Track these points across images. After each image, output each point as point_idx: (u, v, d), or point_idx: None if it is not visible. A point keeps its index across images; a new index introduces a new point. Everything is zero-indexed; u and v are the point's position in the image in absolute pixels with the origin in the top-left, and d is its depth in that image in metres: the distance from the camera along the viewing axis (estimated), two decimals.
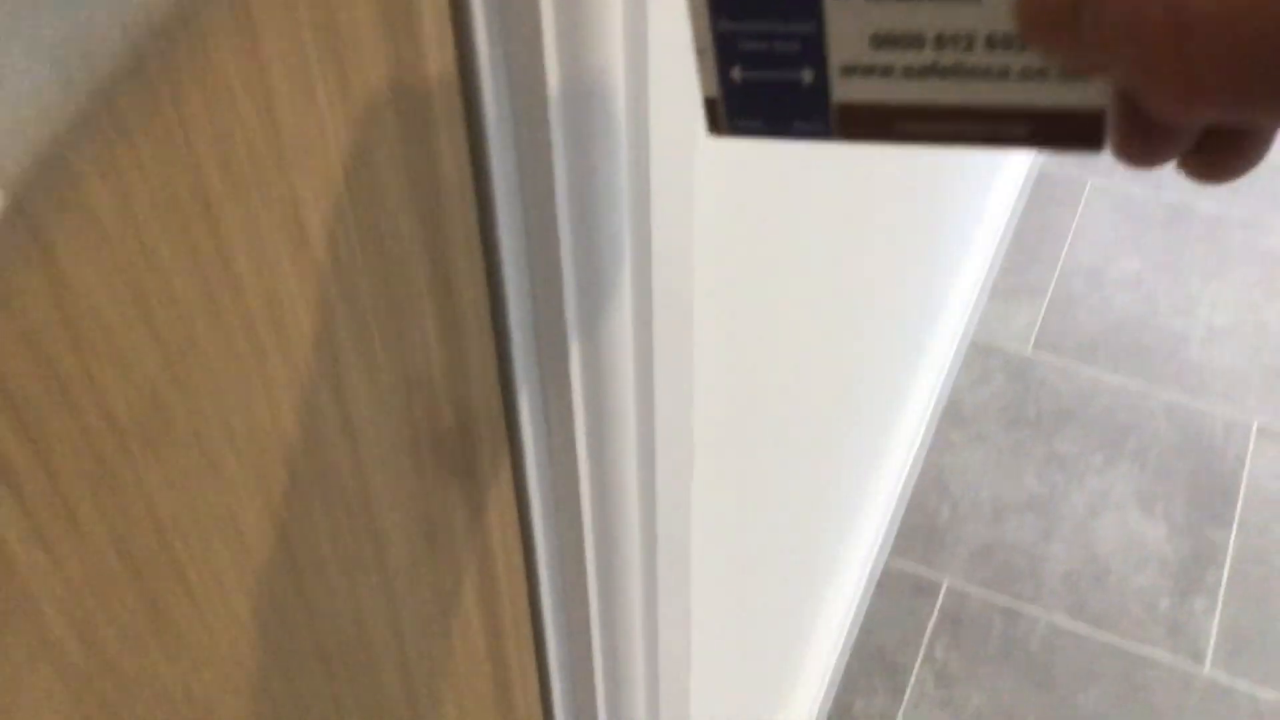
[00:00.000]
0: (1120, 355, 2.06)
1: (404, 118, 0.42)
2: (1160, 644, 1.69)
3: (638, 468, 0.60)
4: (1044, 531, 1.82)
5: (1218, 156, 0.29)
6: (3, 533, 0.31)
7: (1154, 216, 2.30)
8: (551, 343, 0.53)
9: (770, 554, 1.15)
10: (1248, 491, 1.87)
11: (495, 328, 0.51)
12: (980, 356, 2.07)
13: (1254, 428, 1.95)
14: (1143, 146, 0.29)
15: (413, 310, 0.45)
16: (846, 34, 0.31)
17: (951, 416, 1.98)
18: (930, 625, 1.73)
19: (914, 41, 0.30)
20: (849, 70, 0.32)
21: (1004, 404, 2.00)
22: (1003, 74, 0.30)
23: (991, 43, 0.30)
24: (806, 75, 0.32)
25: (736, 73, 0.33)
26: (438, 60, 0.42)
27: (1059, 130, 0.30)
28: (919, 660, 1.69)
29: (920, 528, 1.83)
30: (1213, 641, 1.70)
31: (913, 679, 1.68)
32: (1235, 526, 1.83)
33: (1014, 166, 2.23)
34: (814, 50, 0.31)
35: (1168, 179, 2.36)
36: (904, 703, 1.65)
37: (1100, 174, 2.38)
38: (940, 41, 0.30)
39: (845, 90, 0.32)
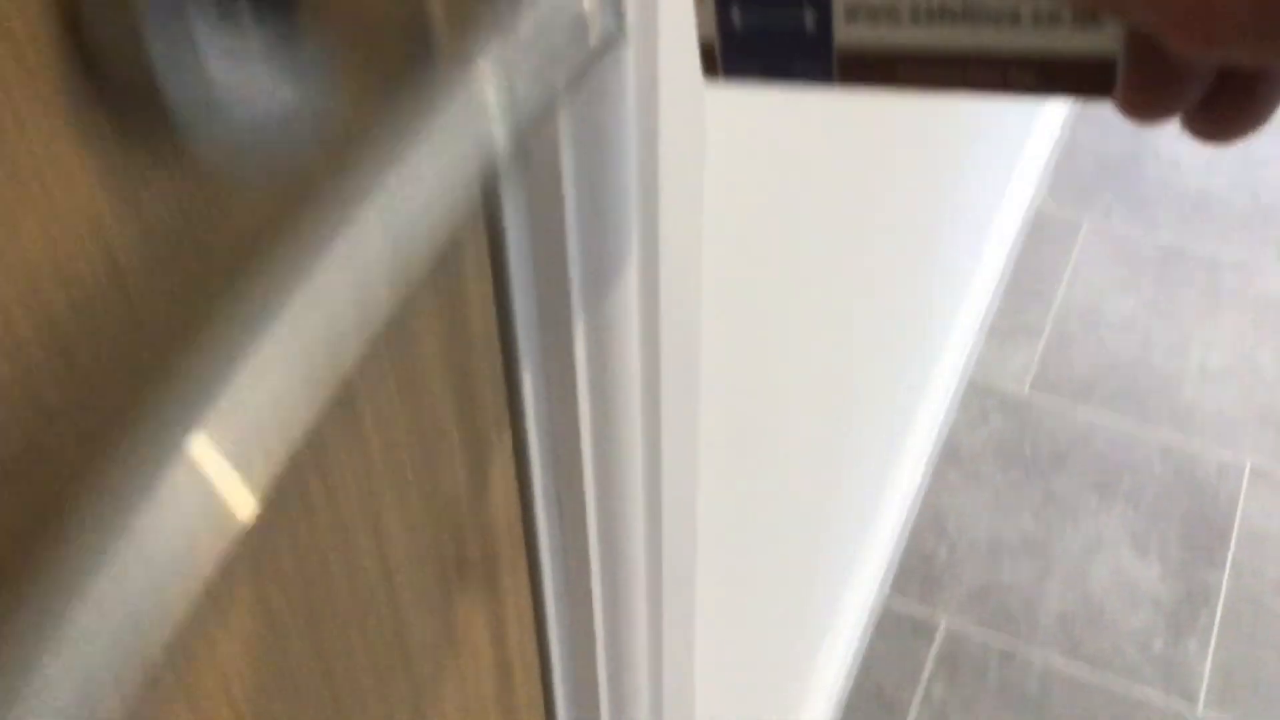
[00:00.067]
0: (1115, 396, 2.10)
1: (437, 272, 0.45)
2: (1154, 685, 1.73)
3: (645, 571, 0.63)
4: (1040, 572, 1.86)
5: (1225, 113, 0.28)
6: None
7: (1149, 257, 2.34)
8: (568, 459, 0.57)
9: (770, 595, 1.18)
10: (1240, 533, 1.90)
11: (515, 450, 0.55)
12: (978, 396, 2.11)
13: (1246, 469, 1.98)
14: (1150, 96, 0.28)
15: (444, 454, 0.49)
16: None
17: (949, 456, 2.01)
18: (928, 665, 1.76)
19: None
20: (853, 12, 0.30)
21: (1001, 444, 2.04)
22: (1013, 18, 0.29)
23: None
24: (809, 18, 0.31)
25: (735, 14, 0.32)
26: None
27: (1069, 77, 0.29)
28: (917, 700, 1.72)
29: (918, 567, 1.86)
30: (1205, 682, 1.73)
31: (911, 719, 1.71)
32: (1228, 567, 1.86)
33: (1011, 207, 2.27)
34: None
35: (1162, 220, 2.40)
36: None
37: (1096, 214, 2.42)
38: None
39: (849, 34, 0.31)
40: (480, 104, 0.22)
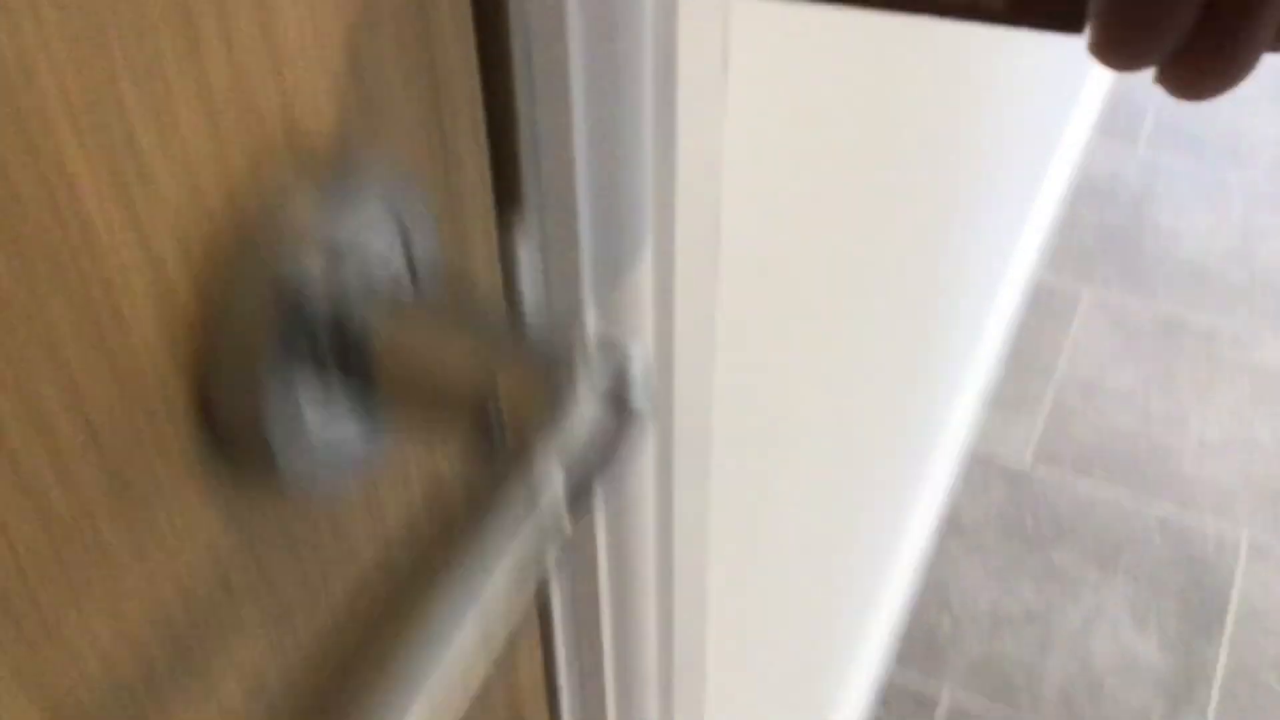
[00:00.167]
0: (1115, 469, 2.14)
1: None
2: None
3: (656, 666, 0.67)
4: (1041, 644, 1.89)
5: (1200, 63, 0.28)
6: None
7: (1148, 329, 2.38)
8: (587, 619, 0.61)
9: (777, 673, 1.21)
10: (1238, 607, 1.94)
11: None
12: (979, 468, 2.15)
13: (1244, 543, 2.02)
14: (1122, 36, 0.28)
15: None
16: None
17: (951, 528, 2.05)
18: None
19: None
20: None
21: (1002, 516, 2.08)
22: None
23: None
24: None
25: None
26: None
27: (1038, 8, 0.29)
28: None
29: (921, 639, 1.90)
30: None
31: None
32: (1226, 642, 1.90)
33: (1012, 279, 2.31)
34: None
35: (1161, 291, 2.45)
36: None
37: (1096, 286, 2.46)
38: None
39: None
40: (537, 498, 0.26)
